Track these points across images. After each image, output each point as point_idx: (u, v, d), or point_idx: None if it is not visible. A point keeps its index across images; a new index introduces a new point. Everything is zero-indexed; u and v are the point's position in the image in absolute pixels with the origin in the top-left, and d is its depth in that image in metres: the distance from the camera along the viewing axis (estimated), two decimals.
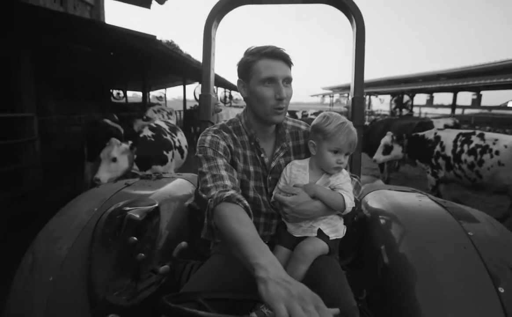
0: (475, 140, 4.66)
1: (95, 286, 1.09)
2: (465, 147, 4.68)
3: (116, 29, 5.15)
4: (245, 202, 1.12)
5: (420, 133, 5.35)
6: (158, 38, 5.51)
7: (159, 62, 8.60)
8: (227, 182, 1.18)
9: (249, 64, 1.24)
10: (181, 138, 5.19)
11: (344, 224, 1.35)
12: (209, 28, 1.84)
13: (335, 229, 1.29)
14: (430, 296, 1.05)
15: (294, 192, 1.23)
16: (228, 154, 1.31)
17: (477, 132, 4.86)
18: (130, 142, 3.98)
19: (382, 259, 1.32)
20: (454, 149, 4.78)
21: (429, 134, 5.22)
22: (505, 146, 4.37)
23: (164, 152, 4.55)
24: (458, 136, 4.88)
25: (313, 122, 1.32)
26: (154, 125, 4.81)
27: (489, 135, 4.72)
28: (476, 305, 1.01)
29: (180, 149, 5.03)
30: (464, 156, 4.64)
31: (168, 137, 4.78)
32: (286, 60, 1.25)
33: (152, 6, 9.12)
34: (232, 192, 1.11)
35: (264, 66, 1.22)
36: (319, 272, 1.16)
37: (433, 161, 5.00)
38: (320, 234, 1.25)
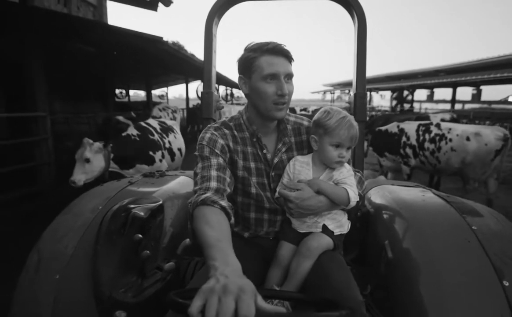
0: (434, 130, 5.32)
1: (100, 283, 1.09)
2: (427, 136, 5.29)
3: (123, 31, 5.21)
4: (222, 202, 1.11)
5: (383, 128, 5.83)
6: (159, 37, 5.55)
7: (164, 62, 8.64)
8: (213, 183, 1.17)
9: (250, 60, 1.24)
10: (173, 140, 5.04)
11: (348, 219, 1.35)
12: (210, 26, 1.84)
13: (340, 224, 1.29)
14: (434, 290, 1.06)
15: (298, 187, 1.23)
16: (225, 152, 1.31)
17: (434, 122, 5.53)
18: (103, 141, 3.93)
19: (386, 254, 1.32)
20: (418, 138, 5.37)
21: (392, 128, 5.75)
22: (457, 135, 5.07)
23: (150, 153, 4.45)
24: (418, 127, 5.49)
25: (314, 117, 1.32)
26: (144, 125, 4.72)
27: (444, 125, 5.42)
28: (481, 299, 1.01)
29: (170, 151, 4.87)
30: (426, 144, 5.28)
31: (156, 137, 4.67)
32: (287, 56, 1.25)
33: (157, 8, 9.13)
34: (207, 194, 1.11)
35: (266, 62, 1.22)
36: (324, 267, 1.16)
37: (402, 151, 5.50)
38: (325, 230, 1.25)
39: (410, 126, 5.58)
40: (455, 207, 1.35)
